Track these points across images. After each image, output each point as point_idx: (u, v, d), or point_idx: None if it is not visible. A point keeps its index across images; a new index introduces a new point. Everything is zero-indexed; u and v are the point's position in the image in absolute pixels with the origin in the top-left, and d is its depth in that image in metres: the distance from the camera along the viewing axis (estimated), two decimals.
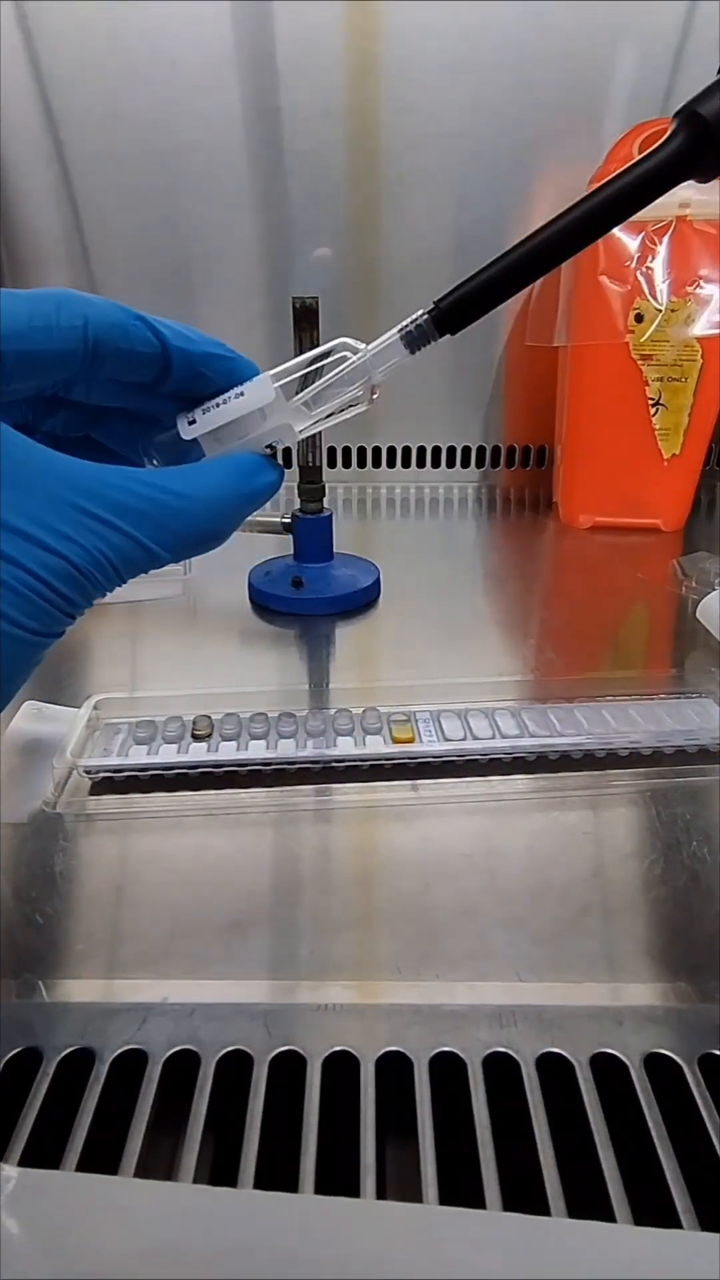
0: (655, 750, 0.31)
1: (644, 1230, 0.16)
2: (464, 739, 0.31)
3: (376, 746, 0.31)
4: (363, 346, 0.22)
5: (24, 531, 0.16)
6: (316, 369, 0.22)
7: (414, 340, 0.22)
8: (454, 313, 0.21)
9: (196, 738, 0.31)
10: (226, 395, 0.22)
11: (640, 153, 0.56)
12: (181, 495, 0.18)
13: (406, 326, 0.22)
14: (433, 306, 0.21)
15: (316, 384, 0.21)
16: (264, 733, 0.32)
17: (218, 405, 0.21)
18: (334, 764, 0.31)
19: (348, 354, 0.22)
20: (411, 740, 0.31)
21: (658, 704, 0.33)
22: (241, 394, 0.21)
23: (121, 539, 0.17)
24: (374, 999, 0.21)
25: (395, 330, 0.22)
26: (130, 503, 0.17)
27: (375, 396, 0.22)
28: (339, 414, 0.22)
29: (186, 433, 0.21)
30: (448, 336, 0.22)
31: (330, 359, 0.22)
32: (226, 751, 0.31)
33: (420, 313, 0.22)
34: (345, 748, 0.31)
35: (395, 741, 0.31)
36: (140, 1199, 0.16)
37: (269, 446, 0.21)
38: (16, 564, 0.16)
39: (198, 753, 0.31)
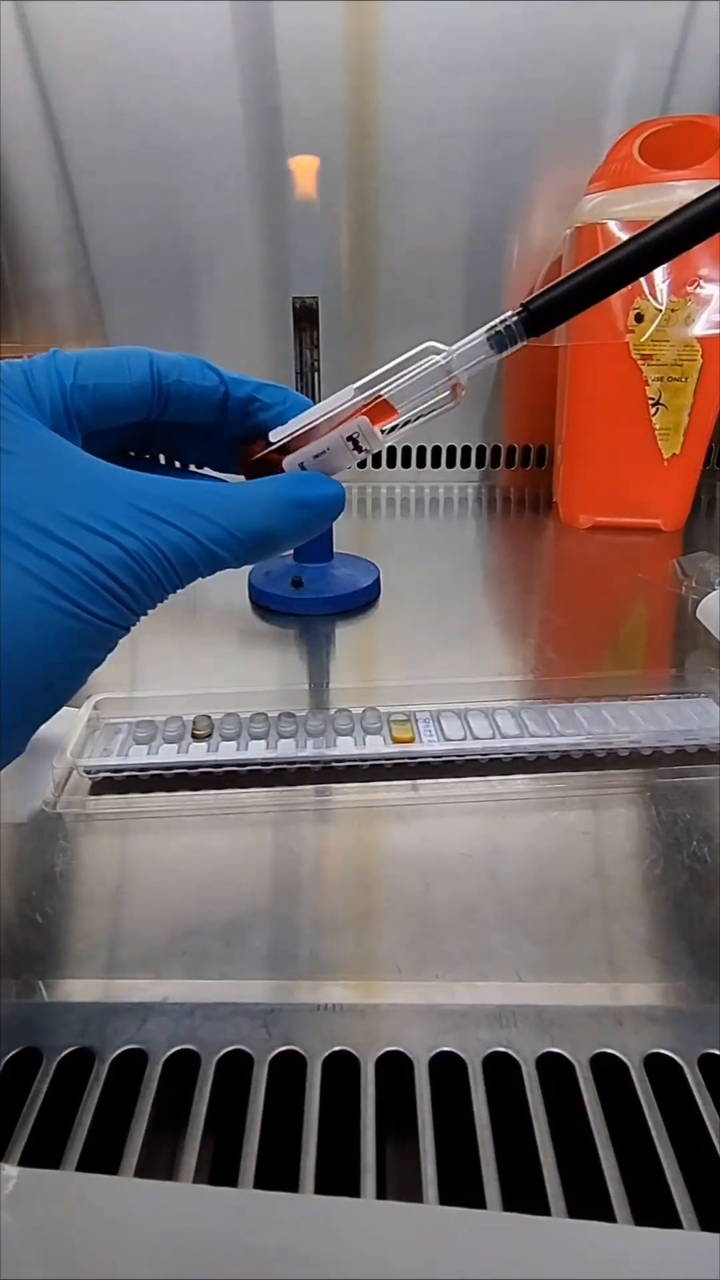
0: (655, 750, 0.31)
1: (644, 1230, 0.16)
2: (464, 739, 0.31)
3: (376, 746, 0.31)
4: (446, 349, 0.22)
5: (82, 522, 0.17)
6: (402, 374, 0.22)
7: (501, 341, 0.22)
8: (544, 314, 0.21)
9: (196, 737, 0.31)
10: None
11: (640, 154, 0.56)
12: (230, 496, 0.19)
13: (495, 327, 0.21)
14: (521, 309, 0.21)
15: (393, 382, 0.22)
16: (264, 733, 0.32)
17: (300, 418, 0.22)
18: (334, 764, 0.31)
19: (433, 356, 0.22)
20: (411, 740, 0.31)
21: (658, 704, 0.33)
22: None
23: (174, 532, 0.18)
24: (374, 999, 0.21)
25: (482, 330, 0.21)
26: (180, 501, 0.18)
27: (461, 395, 0.22)
28: (426, 415, 0.22)
29: (274, 435, 0.22)
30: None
31: (418, 364, 0.22)
32: (226, 751, 0.31)
33: (509, 314, 0.21)
34: (345, 747, 0.31)
35: (395, 741, 0.31)
36: (141, 1198, 0.16)
37: (356, 447, 0.22)
38: (75, 549, 0.17)
39: (197, 752, 0.31)
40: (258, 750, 0.31)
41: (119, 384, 0.21)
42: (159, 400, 0.22)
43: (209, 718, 0.32)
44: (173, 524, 0.18)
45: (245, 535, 0.19)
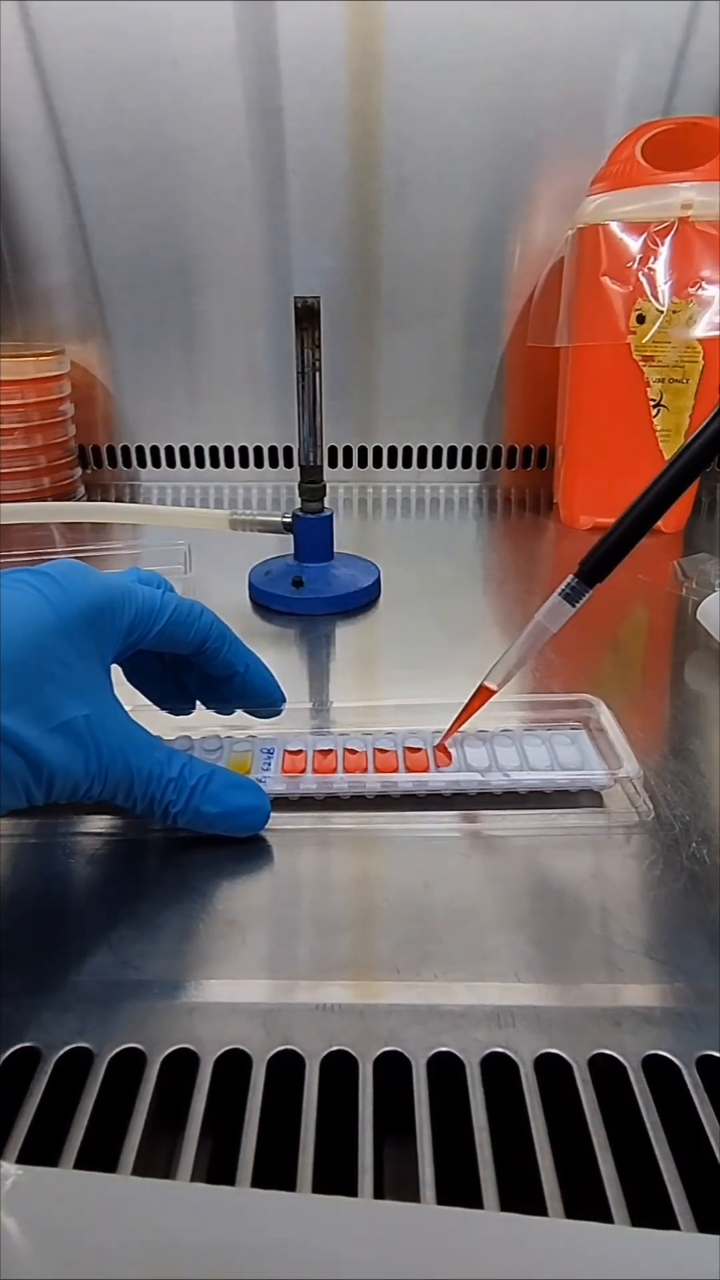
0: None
1: (641, 1231, 0.16)
2: (304, 773, 0.30)
3: None
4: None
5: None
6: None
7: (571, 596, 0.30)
8: (597, 568, 0.29)
9: None
10: None
11: (642, 155, 0.56)
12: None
13: (563, 590, 0.30)
14: (578, 569, 0.29)
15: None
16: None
17: None
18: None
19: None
20: (248, 770, 0.30)
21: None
22: None
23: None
24: (372, 999, 0.21)
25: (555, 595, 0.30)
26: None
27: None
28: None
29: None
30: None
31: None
32: None
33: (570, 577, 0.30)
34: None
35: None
36: (139, 1196, 0.16)
37: None
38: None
39: None
40: None
41: (180, 639, 0.28)
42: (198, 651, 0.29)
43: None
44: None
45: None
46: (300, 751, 0.31)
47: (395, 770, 0.30)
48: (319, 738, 0.32)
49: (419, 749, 0.31)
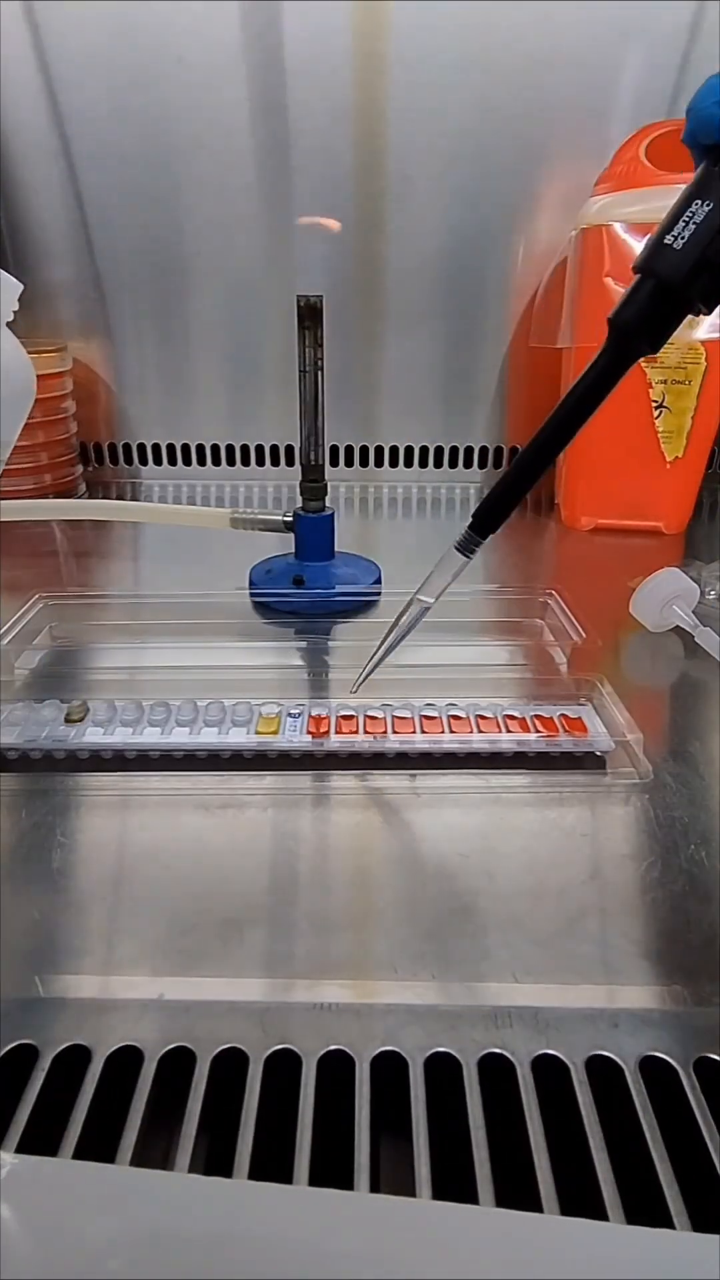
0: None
1: (636, 1230, 0.16)
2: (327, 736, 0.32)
3: (239, 738, 0.32)
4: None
5: None
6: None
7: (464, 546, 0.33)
8: (486, 518, 0.33)
9: (70, 721, 0.33)
10: None
11: (646, 156, 0.56)
12: None
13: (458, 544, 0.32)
14: (471, 520, 0.32)
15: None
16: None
17: None
18: (196, 753, 0.32)
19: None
20: (275, 734, 0.32)
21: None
22: None
23: None
24: (370, 998, 0.21)
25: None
26: None
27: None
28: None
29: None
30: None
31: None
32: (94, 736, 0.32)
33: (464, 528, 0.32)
34: (208, 737, 0.32)
35: (257, 734, 0.32)
36: (136, 1187, 0.16)
37: None
38: None
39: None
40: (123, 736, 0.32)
41: None
42: None
43: (85, 704, 0.33)
44: None
45: None
46: (324, 717, 0.33)
47: (413, 732, 0.33)
48: (340, 705, 0.34)
49: (435, 717, 0.34)
